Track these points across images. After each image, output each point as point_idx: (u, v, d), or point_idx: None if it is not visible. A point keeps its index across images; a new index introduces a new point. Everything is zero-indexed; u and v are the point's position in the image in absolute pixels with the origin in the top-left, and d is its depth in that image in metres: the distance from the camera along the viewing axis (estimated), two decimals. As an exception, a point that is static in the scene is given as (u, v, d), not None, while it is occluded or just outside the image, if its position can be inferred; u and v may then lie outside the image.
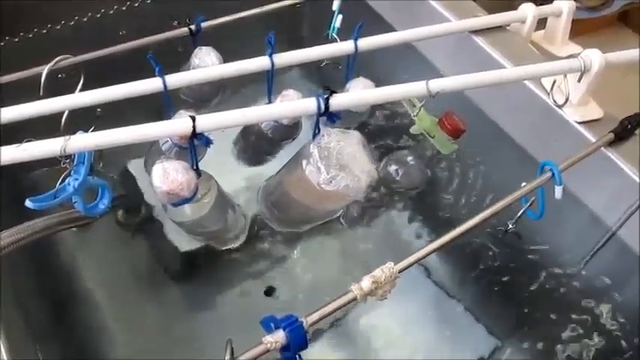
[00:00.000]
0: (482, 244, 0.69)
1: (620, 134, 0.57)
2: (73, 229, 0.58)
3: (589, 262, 0.64)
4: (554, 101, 0.60)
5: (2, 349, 0.43)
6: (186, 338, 0.68)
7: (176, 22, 0.63)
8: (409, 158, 0.61)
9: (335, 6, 0.69)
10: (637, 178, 0.56)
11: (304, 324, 0.40)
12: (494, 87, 0.65)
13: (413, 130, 0.57)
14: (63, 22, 0.74)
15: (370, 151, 0.54)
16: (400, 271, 0.44)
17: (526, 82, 0.63)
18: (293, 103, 0.49)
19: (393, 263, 0.44)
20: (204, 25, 0.65)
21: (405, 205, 0.69)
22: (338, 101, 0.50)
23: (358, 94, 0.50)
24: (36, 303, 0.58)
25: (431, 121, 0.58)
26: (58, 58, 0.58)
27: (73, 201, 0.50)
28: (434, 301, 0.71)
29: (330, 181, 0.51)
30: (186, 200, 0.52)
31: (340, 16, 0.69)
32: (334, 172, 0.51)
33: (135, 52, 0.65)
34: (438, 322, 0.70)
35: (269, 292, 0.71)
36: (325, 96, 0.49)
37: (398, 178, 0.62)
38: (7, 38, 0.72)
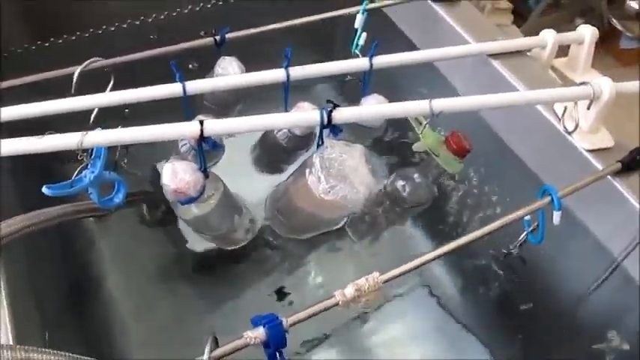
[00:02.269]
0: (487, 267, 0.70)
1: (629, 165, 0.56)
2: (91, 219, 0.62)
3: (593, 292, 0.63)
4: (565, 127, 0.60)
5: (8, 330, 0.45)
6: (197, 334, 0.71)
7: (203, 32, 0.66)
8: (417, 175, 0.62)
9: (357, 24, 0.71)
10: (640, 210, 0.55)
11: (284, 323, 0.42)
12: (508, 109, 0.67)
13: (415, 147, 0.58)
14: (104, 26, 0.80)
15: (373, 166, 0.56)
16: (384, 282, 0.46)
17: (539, 106, 0.63)
18: (298, 114, 0.52)
19: (378, 273, 0.46)
20: (230, 36, 0.68)
21: (410, 221, 0.70)
22: (341, 115, 0.52)
23: (360, 109, 0.52)
24: (50, 289, 0.62)
25: (437, 139, 0.59)
26: (89, 60, 0.62)
27: (89, 192, 0.54)
28: (438, 322, 0.72)
29: (329, 191, 0.53)
30: (193, 199, 0.55)
31: (364, 34, 0.71)
32: (334, 182, 0.53)
33: (164, 59, 0.69)
34: (441, 343, 0.70)
35: (280, 293, 0.73)
36: (329, 109, 0.52)
37: (404, 194, 0.63)
38: (51, 39, 0.77)
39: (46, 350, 0.42)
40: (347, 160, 0.54)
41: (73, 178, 0.52)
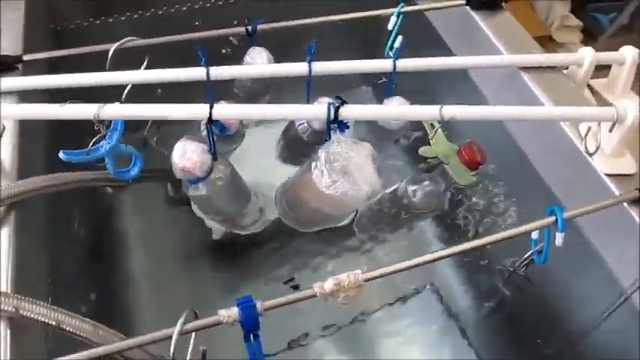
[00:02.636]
0: (495, 285, 0.68)
1: (648, 193, 0.53)
2: (108, 189, 0.65)
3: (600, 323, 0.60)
4: (586, 148, 0.58)
5: (8, 280, 0.47)
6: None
7: (236, 21, 0.68)
8: (429, 181, 0.62)
9: (390, 26, 0.71)
10: (656, 243, 0.52)
11: (258, 306, 0.43)
12: (533, 124, 0.65)
13: (422, 151, 0.57)
14: (152, 10, 0.83)
15: (380, 166, 0.56)
16: (366, 281, 0.46)
17: (563, 124, 0.61)
18: (305, 107, 0.52)
19: (360, 271, 0.46)
20: (262, 27, 0.69)
21: (419, 227, 0.69)
22: (347, 112, 0.52)
23: (368, 107, 0.52)
24: (64, 252, 0.65)
25: (450, 147, 0.58)
26: (126, 39, 0.65)
27: (105, 162, 0.57)
28: (443, 329, 0.71)
29: (331, 185, 0.54)
30: (200, 179, 0.57)
31: (400, 37, 0.71)
32: (336, 177, 0.54)
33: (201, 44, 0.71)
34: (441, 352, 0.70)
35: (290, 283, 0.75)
36: (337, 105, 0.52)
37: (415, 200, 0.62)
38: (102, 18, 0.82)
39: (40, 303, 0.45)
40: (353, 158, 0.55)
41: (89, 147, 0.55)
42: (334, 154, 0.54)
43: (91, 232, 0.70)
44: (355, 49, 0.90)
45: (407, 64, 0.64)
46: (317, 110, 0.52)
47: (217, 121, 0.53)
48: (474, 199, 0.70)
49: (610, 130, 0.55)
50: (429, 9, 0.74)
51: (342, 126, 0.53)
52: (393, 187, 0.65)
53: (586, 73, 0.67)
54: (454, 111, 0.52)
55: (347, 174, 0.54)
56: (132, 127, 0.74)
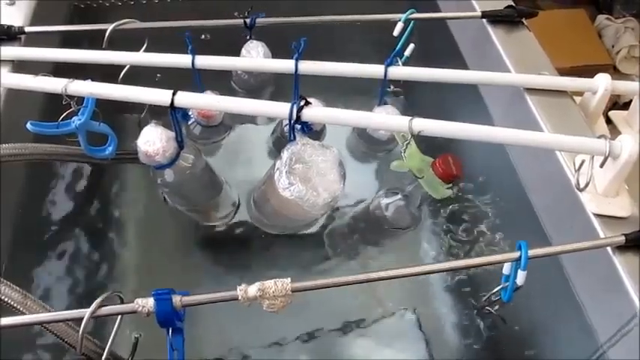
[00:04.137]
0: (472, 319, 0.63)
1: (634, 241, 0.47)
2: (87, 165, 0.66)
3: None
4: (577, 183, 0.52)
5: None
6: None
7: (236, 12, 0.67)
8: (403, 196, 0.58)
9: (396, 32, 0.67)
10: (636, 297, 0.46)
11: (174, 300, 0.42)
12: (528, 149, 0.60)
13: (393, 166, 0.54)
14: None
15: (344, 174, 0.53)
16: (294, 291, 0.43)
17: (559, 153, 0.55)
18: (269, 104, 0.50)
19: (289, 280, 0.43)
20: (261, 21, 0.67)
21: (393, 243, 0.65)
22: (310, 113, 0.50)
23: (333, 111, 0.49)
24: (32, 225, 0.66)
25: (424, 161, 0.54)
26: (125, 20, 0.66)
27: (78, 138, 0.57)
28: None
29: (287, 188, 0.51)
30: (163, 166, 0.56)
31: (412, 45, 0.67)
32: (294, 180, 0.51)
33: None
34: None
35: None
36: (300, 105, 0.50)
37: (387, 214, 0.59)
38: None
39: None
40: (316, 162, 0.52)
41: (59, 120, 0.55)
42: (297, 156, 0.52)
43: (66, 209, 0.70)
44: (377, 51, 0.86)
45: (398, 71, 0.60)
46: (279, 108, 0.50)
47: (180, 109, 0.52)
48: (460, 219, 0.66)
49: (601, 166, 0.49)
50: (439, 18, 0.70)
51: (305, 127, 0.51)
52: (367, 200, 0.61)
53: (600, 102, 0.61)
54: (423, 124, 0.49)
55: (306, 179, 0.52)
56: (128, 109, 0.75)
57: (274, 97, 0.79)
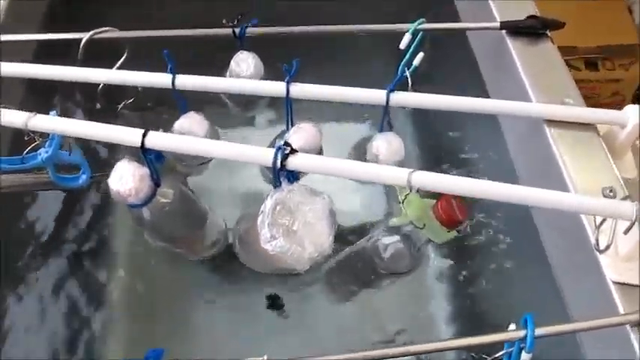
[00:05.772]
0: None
1: (655, 319, 0.42)
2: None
3: None
4: (597, 242, 0.47)
5: None
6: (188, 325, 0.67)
7: (225, 20, 0.60)
8: (401, 239, 0.52)
9: (403, 44, 0.60)
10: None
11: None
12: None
13: (392, 223, 0.48)
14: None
15: (335, 223, 0.48)
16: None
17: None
18: (250, 150, 0.45)
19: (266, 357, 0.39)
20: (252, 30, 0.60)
21: (392, 288, 0.60)
22: (297, 161, 0.44)
23: (326, 160, 0.44)
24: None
25: (424, 205, 0.48)
26: (102, 29, 0.59)
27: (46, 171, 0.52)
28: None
29: (269, 242, 0.46)
30: (137, 205, 0.51)
31: (421, 54, 0.60)
32: (276, 233, 0.46)
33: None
34: None
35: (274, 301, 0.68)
36: (285, 152, 0.44)
37: (385, 256, 0.54)
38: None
39: None
40: (304, 212, 0.47)
41: (24, 154, 0.51)
42: (281, 205, 0.47)
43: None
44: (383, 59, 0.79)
45: (405, 98, 0.54)
46: (263, 155, 0.44)
47: (152, 150, 0.46)
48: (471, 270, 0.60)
49: (625, 232, 0.43)
50: (450, 29, 0.62)
51: (291, 176, 0.45)
52: (363, 242, 0.56)
53: (629, 137, 0.54)
54: (424, 180, 0.43)
55: (292, 231, 0.47)
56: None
57: (268, 110, 0.74)
